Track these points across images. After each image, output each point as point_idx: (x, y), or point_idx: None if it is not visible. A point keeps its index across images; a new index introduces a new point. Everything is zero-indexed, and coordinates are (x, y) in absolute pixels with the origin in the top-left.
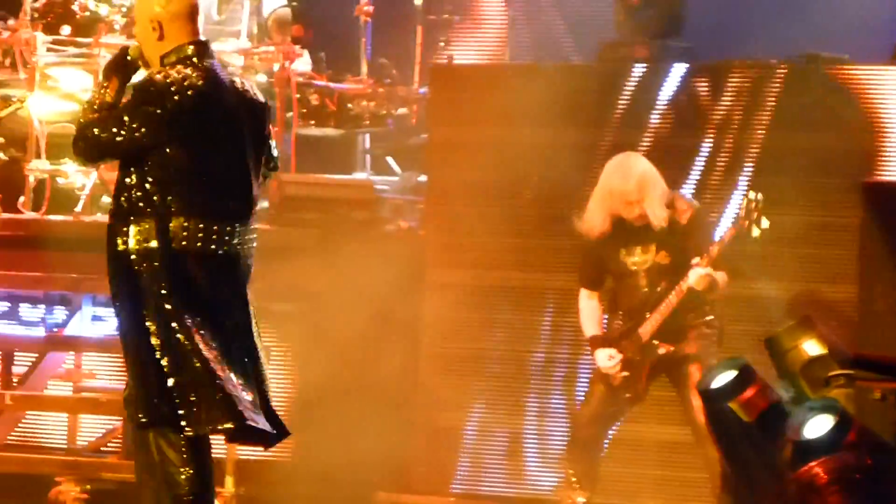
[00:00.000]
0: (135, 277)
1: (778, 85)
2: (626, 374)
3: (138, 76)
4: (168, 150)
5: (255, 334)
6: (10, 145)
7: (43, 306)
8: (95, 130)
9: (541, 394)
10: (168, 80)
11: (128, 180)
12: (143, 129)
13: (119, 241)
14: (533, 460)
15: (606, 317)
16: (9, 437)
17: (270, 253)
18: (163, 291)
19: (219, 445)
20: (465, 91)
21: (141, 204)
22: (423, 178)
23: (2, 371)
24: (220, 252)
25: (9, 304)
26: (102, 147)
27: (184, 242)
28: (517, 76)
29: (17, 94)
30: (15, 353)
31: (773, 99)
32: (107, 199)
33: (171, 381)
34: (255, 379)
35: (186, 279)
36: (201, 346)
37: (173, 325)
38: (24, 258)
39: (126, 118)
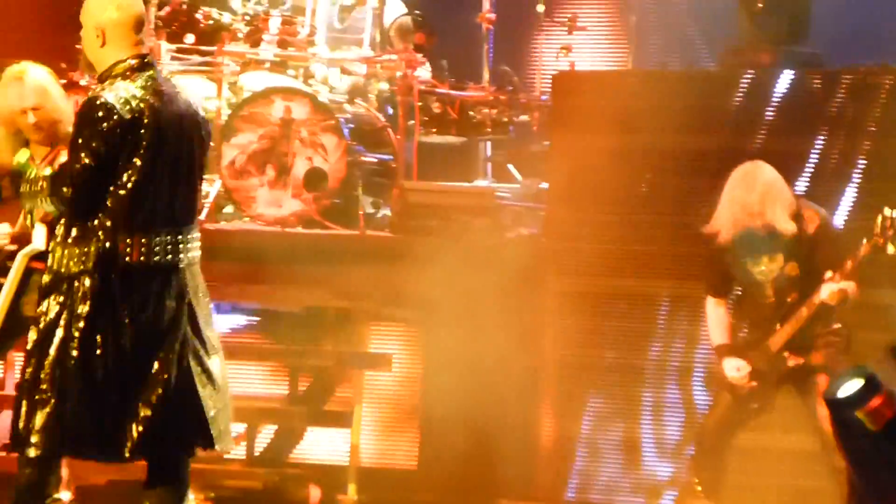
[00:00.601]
0: (68, 297)
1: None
2: (753, 384)
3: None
4: (114, 167)
5: (200, 342)
6: None
7: None
8: (65, 183)
9: (658, 402)
10: (115, 95)
11: (73, 202)
12: (101, 147)
13: (60, 262)
14: (651, 467)
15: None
16: None
17: (391, 260)
18: (85, 313)
19: (341, 452)
20: (587, 98)
21: (84, 225)
22: (544, 185)
23: None
24: (163, 263)
25: None
26: (82, 187)
27: (127, 259)
28: (639, 82)
29: None
30: None
31: (887, 104)
32: (229, 209)
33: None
34: (181, 393)
35: (120, 297)
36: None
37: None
38: None
39: (91, 144)
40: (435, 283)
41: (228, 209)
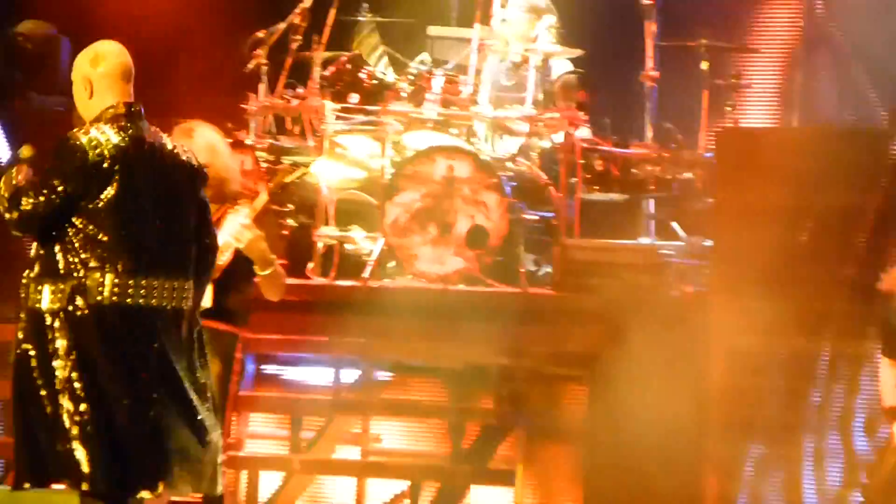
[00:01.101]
0: (44, 336)
1: None
2: None
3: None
4: (86, 207)
5: (185, 390)
6: (300, 212)
7: (331, 371)
8: (25, 200)
9: (819, 453)
10: (87, 137)
11: (47, 239)
12: (68, 186)
13: (34, 298)
14: None
15: None
16: (297, 502)
17: (553, 317)
18: (66, 352)
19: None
20: (752, 155)
21: (59, 262)
22: (707, 242)
23: (290, 435)
24: (136, 306)
25: (297, 369)
26: (38, 213)
27: (98, 297)
28: (805, 139)
29: (305, 161)
30: (304, 418)
31: None
32: (392, 267)
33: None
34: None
35: (95, 337)
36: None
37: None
38: (313, 323)
39: (53, 180)
40: (598, 340)
41: (391, 266)
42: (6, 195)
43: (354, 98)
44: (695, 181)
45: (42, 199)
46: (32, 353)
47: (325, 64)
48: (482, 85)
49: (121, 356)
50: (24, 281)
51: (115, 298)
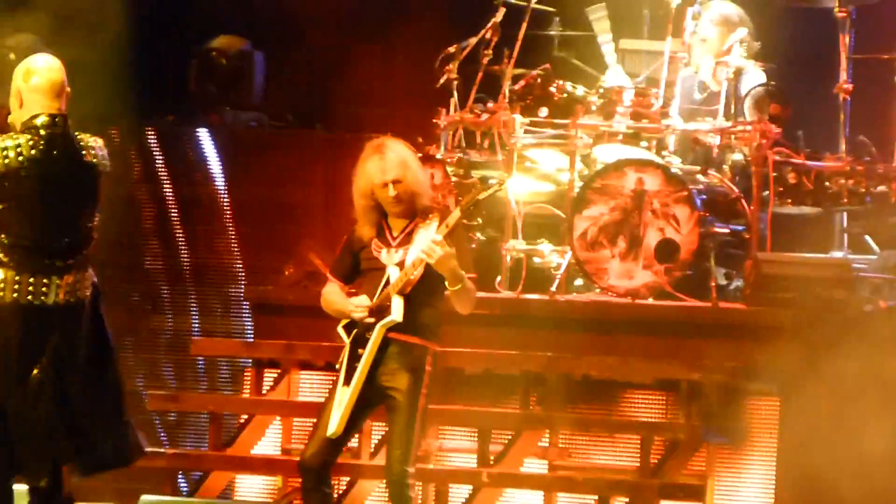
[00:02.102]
0: None
1: None
2: None
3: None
4: None
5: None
6: (488, 225)
7: (518, 385)
8: None
9: None
10: (1, 145)
11: None
12: None
13: None
14: None
15: None
16: None
17: (744, 332)
18: None
19: None
20: None
21: None
22: None
23: (478, 449)
24: (37, 304)
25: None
26: None
27: (1, 294)
28: None
29: (495, 176)
30: (492, 431)
31: None
32: (580, 281)
33: None
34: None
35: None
36: None
37: None
38: (502, 337)
39: None
40: (790, 356)
41: (579, 281)
42: None
43: (544, 112)
44: (889, 194)
45: None
46: None
47: (516, 78)
48: (673, 98)
49: (17, 350)
50: None
51: (14, 296)
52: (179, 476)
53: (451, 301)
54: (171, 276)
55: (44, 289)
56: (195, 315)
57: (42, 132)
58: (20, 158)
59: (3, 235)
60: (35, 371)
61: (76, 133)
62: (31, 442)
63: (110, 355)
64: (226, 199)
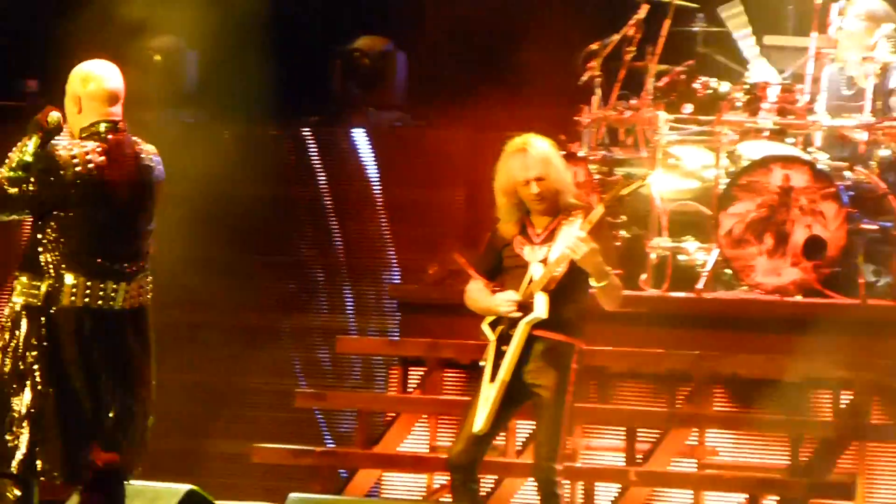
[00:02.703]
0: (15, 329)
1: None
2: None
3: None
4: (64, 213)
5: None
6: (633, 223)
7: (665, 383)
8: (6, 186)
9: None
10: (71, 153)
11: (32, 237)
12: (43, 194)
13: (14, 292)
14: None
15: None
16: None
17: (894, 329)
18: (34, 346)
19: None
20: None
21: (37, 261)
22: None
23: (626, 447)
24: (104, 309)
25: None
26: (8, 202)
27: (72, 298)
28: None
29: (639, 173)
30: (638, 430)
31: None
32: (727, 275)
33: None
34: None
35: (63, 335)
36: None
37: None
38: (647, 335)
39: (32, 182)
40: None
41: (726, 278)
42: (12, 164)
43: (688, 108)
44: None
45: (24, 194)
46: (20, 350)
47: (659, 75)
48: (819, 94)
49: (83, 355)
50: (15, 272)
51: (85, 300)
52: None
53: (596, 297)
54: (325, 274)
55: (112, 293)
56: (349, 312)
57: (107, 139)
58: (89, 166)
59: (73, 241)
60: (102, 375)
61: (135, 139)
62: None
63: (150, 363)
64: (379, 198)
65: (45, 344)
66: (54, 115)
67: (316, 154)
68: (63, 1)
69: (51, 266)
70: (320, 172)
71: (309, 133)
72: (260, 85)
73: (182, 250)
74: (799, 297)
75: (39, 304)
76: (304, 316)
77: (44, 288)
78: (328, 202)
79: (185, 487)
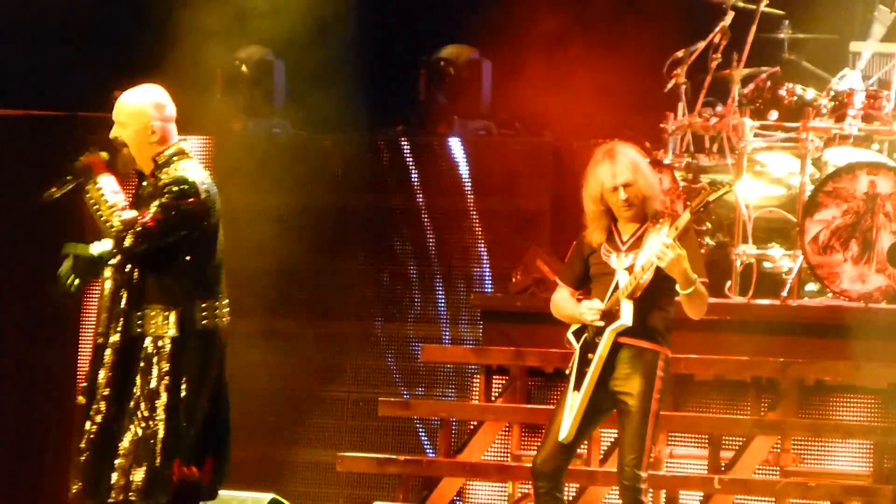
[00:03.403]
0: (140, 361)
1: None
2: None
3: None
4: (195, 240)
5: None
6: (717, 230)
7: (749, 391)
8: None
9: None
10: (197, 177)
11: (158, 268)
12: (177, 219)
13: (135, 326)
14: None
15: None
16: None
17: None
18: (166, 374)
19: None
20: None
21: (169, 290)
22: None
23: (709, 455)
24: (220, 327)
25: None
26: (140, 242)
27: (204, 322)
28: None
29: (724, 180)
30: (722, 438)
31: None
32: (812, 286)
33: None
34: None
35: (204, 357)
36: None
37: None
38: (732, 342)
39: (160, 211)
40: None
41: (811, 286)
42: (113, 230)
43: (774, 115)
44: None
45: (146, 230)
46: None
47: (745, 81)
48: None
49: (207, 374)
50: (122, 307)
51: (216, 321)
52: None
53: (682, 305)
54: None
55: (226, 311)
56: (443, 321)
57: (196, 162)
58: (214, 189)
59: (203, 265)
60: (222, 391)
61: None
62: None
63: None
64: (472, 208)
65: (197, 368)
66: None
67: (410, 162)
68: (149, 11)
69: (184, 293)
70: (413, 181)
71: (405, 142)
72: (347, 95)
73: (270, 259)
74: (884, 304)
75: (173, 331)
76: (391, 324)
77: (174, 317)
78: (421, 211)
79: (268, 496)
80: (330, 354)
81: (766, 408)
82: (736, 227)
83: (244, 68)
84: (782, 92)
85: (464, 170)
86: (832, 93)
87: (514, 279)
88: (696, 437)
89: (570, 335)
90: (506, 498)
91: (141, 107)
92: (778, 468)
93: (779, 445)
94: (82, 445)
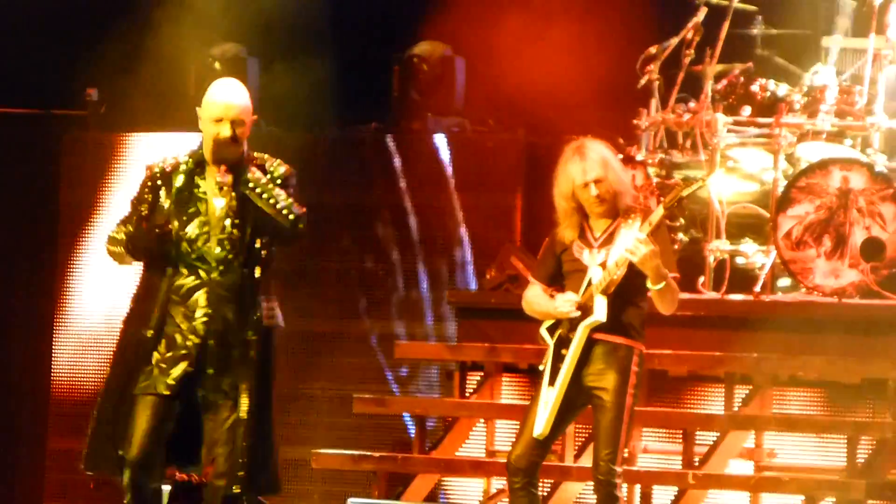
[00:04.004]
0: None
1: None
2: None
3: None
4: None
5: None
6: (691, 226)
7: (723, 386)
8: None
9: None
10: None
11: (266, 265)
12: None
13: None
14: None
15: None
16: None
17: None
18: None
19: None
20: None
21: (270, 286)
22: None
23: (683, 450)
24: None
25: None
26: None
27: (270, 321)
28: None
29: (697, 175)
30: (696, 433)
31: None
32: (785, 282)
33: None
34: None
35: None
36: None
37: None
38: (706, 338)
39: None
40: None
41: (785, 281)
42: (301, 210)
43: (746, 111)
44: None
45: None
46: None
47: (718, 77)
48: (878, 95)
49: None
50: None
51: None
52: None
53: (653, 300)
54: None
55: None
56: (418, 318)
57: None
58: None
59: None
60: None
61: None
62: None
63: None
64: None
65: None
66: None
67: (384, 159)
68: (123, 8)
69: (272, 289)
70: (388, 178)
71: (380, 139)
72: (321, 92)
73: None
74: (858, 299)
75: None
76: (366, 321)
77: (255, 318)
78: (395, 207)
79: None
80: (306, 352)
81: (739, 403)
82: (709, 223)
83: (217, 65)
84: (755, 88)
85: (438, 166)
86: (805, 88)
87: (488, 276)
88: (669, 433)
89: (543, 331)
90: (481, 494)
91: (247, 100)
92: (752, 463)
93: (753, 440)
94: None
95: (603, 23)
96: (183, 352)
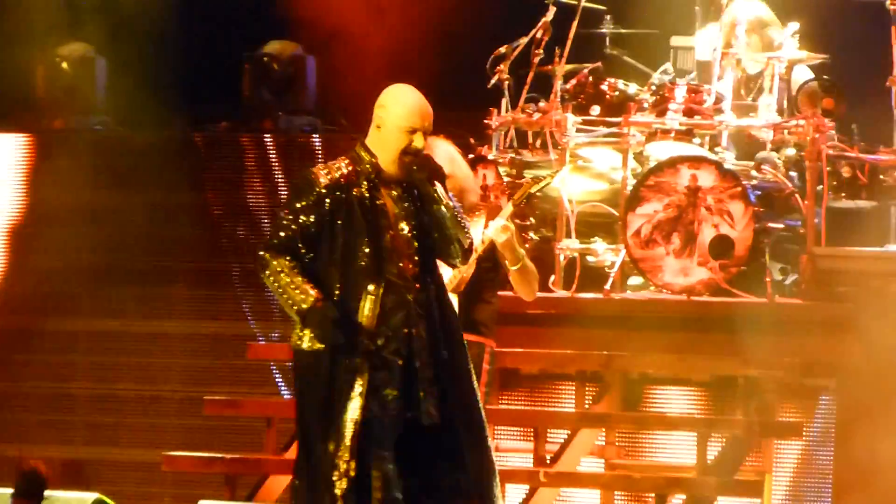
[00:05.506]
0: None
1: None
2: None
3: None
4: None
5: None
6: (541, 225)
7: (574, 384)
8: None
9: None
10: None
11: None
12: None
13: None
14: None
15: None
16: None
17: (801, 327)
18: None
19: None
20: None
21: None
22: None
23: (535, 448)
24: None
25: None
26: None
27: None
28: None
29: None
30: (547, 431)
31: None
32: (636, 280)
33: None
34: None
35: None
36: None
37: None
38: (556, 336)
39: None
40: (848, 350)
41: (635, 279)
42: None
43: (596, 110)
44: None
45: None
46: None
47: (567, 77)
48: (725, 94)
49: None
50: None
51: None
52: None
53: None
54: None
55: None
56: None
57: None
58: None
59: None
60: None
61: None
62: None
63: None
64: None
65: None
66: None
67: (231, 159)
68: None
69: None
70: (234, 177)
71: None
72: (170, 91)
73: (93, 257)
74: (707, 297)
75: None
76: (214, 322)
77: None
78: (241, 207)
79: (93, 496)
80: (155, 354)
81: (590, 401)
82: (559, 222)
83: (65, 65)
84: (604, 87)
85: (282, 166)
86: (654, 87)
87: None
88: (521, 431)
89: None
90: None
91: None
92: (603, 461)
93: (604, 438)
94: None
95: (453, 22)
96: None
